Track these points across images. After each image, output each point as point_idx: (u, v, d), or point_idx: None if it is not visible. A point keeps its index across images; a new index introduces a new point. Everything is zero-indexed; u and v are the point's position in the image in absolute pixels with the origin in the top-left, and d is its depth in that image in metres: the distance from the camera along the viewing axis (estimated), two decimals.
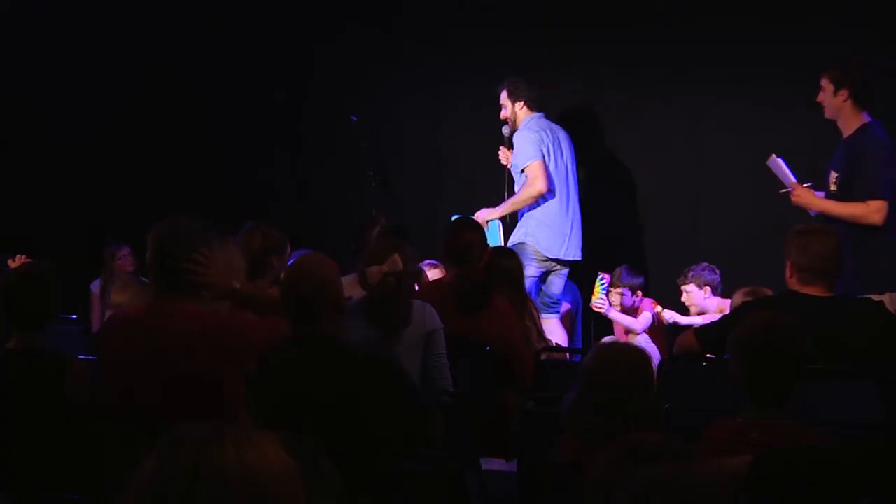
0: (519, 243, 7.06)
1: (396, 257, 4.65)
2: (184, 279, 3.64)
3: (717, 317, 6.59)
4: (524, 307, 5.55)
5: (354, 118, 8.05)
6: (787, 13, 7.32)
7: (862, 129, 5.73)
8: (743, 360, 3.43)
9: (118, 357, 3.69)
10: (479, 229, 5.50)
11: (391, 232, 6.03)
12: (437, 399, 4.57)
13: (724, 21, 7.52)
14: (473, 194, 7.71)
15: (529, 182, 7.04)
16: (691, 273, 7.18)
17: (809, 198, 5.82)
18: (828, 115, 5.92)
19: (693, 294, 7.16)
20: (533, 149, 7.04)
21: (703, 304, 7.13)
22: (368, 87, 8.48)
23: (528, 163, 7.02)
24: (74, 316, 4.83)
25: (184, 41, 8.48)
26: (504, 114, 7.18)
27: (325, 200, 7.59)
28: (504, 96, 7.16)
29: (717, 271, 7.14)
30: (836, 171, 5.76)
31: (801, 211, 5.94)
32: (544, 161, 7.02)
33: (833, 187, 5.75)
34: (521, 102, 7.14)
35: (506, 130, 7.28)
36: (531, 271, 6.86)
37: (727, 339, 3.58)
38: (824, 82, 5.83)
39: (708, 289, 7.15)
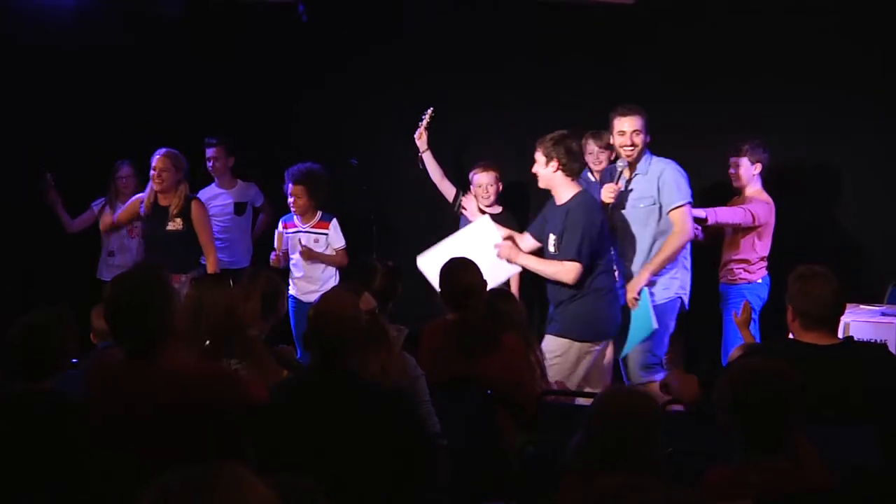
0: (673, 298, 6.66)
1: (367, 295, 4.73)
2: (155, 330, 3.60)
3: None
4: (530, 347, 5.49)
5: (354, 161, 8.07)
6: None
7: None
8: (727, 411, 3.44)
9: (104, 405, 3.69)
10: (477, 270, 5.40)
11: (390, 272, 5.98)
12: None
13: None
14: None
15: (682, 229, 6.54)
16: (747, 147, 7.03)
17: (512, 253, 6.32)
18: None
19: (743, 168, 7.04)
20: (688, 188, 6.58)
21: (751, 181, 7.01)
22: (367, 129, 8.50)
23: (680, 203, 6.55)
24: (75, 360, 4.79)
25: (177, 91, 8.51)
26: (642, 139, 6.54)
27: None
28: (642, 123, 6.59)
29: (768, 150, 7.04)
30: None
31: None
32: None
33: None
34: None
35: (622, 164, 6.63)
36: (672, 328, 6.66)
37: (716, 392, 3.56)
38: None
39: (759, 165, 7.03)
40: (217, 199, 8.17)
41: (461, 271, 5.39)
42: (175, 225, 7.26)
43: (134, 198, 7.53)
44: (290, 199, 7.53)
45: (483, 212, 7.26)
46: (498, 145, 8.21)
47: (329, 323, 3.83)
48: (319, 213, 7.62)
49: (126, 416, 3.59)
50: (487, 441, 4.95)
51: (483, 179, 7.43)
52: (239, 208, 8.22)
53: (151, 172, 7.25)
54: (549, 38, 8.15)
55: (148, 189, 7.31)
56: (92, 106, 8.27)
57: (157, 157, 7.23)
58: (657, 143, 7.02)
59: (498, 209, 7.52)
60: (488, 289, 5.49)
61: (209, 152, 8.15)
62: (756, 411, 3.39)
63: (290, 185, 7.51)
